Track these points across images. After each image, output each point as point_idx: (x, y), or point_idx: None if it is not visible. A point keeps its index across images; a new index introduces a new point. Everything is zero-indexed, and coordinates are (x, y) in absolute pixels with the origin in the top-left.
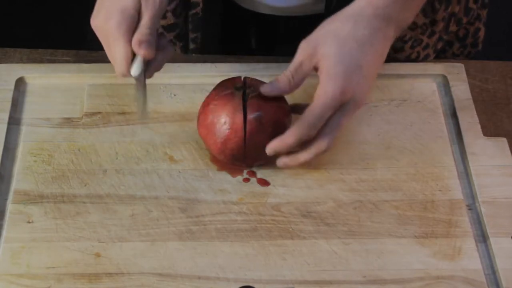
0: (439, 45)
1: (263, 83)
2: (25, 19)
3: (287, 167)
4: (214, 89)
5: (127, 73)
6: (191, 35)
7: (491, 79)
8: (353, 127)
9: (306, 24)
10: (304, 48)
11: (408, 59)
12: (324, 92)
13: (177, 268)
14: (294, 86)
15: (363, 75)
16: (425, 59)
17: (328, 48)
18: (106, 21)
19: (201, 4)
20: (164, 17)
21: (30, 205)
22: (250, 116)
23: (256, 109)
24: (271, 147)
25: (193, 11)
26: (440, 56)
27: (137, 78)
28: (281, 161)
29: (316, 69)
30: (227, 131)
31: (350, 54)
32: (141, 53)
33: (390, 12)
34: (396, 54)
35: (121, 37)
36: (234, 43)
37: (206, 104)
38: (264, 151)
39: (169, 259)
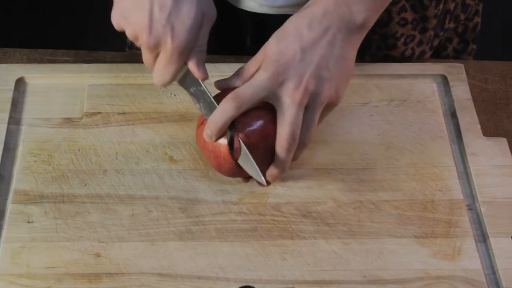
0: (435, 42)
1: None
2: (25, 19)
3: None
4: None
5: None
6: None
7: (491, 79)
8: (353, 127)
9: None
10: (259, 52)
11: (403, 56)
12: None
13: (177, 268)
14: (243, 81)
15: (307, 60)
16: (421, 56)
17: (271, 43)
18: (172, 34)
19: None
20: None
21: (30, 205)
22: (235, 145)
23: (239, 135)
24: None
25: None
26: (441, 53)
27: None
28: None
29: None
30: (217, 158)
31: (291, 39)
32: (200, 76)
33: (330, 6)
34: (390, 51)
35: (180, 57)
36: (228, 42)
37: (199, 122)
38: (262, 164)
39: (169, 259)
